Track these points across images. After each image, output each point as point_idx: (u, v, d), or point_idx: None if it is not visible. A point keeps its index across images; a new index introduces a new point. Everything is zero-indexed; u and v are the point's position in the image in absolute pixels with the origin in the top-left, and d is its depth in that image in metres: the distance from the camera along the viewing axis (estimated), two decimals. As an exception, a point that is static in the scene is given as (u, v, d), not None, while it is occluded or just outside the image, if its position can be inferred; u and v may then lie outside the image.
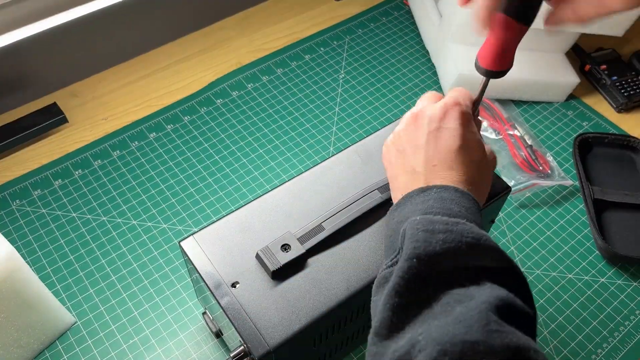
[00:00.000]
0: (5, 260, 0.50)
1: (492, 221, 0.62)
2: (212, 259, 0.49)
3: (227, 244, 0.50)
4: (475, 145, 0.45)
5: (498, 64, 0.46)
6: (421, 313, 0.35)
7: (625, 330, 0.66)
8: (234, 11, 0.98)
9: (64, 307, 0.62)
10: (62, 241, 0.69)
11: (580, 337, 0.65)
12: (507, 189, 0.56)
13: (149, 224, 0.71)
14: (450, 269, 0.37)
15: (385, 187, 0.53)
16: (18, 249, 0.68)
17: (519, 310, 0.35)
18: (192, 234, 0.50)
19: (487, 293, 0.35)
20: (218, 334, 0.60)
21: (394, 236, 0.41)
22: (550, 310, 0.67)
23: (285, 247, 0.49)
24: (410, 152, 0.46)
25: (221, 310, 0.47)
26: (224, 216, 0.52)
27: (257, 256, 0.49)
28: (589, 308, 0.67)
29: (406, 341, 0.34)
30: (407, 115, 0.48)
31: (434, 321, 0.34)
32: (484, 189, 0.47)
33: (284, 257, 0.48)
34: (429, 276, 0.37)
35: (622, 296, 0.68)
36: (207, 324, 0.60)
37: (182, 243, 0.50)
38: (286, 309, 0.46)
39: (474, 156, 0.45)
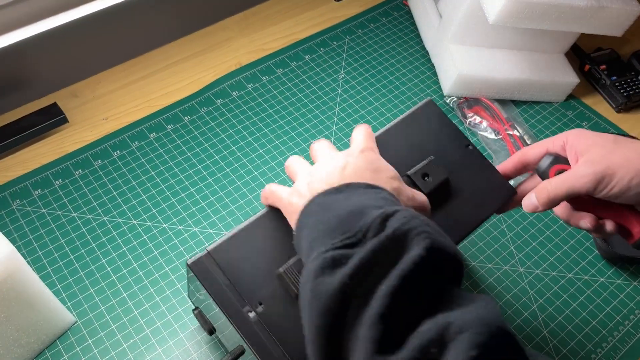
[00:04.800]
0: (5, 260, 0.50)
1: None
2: (228, 280, 0.46)
3: (241, 262, 0.46)
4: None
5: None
6: (435, 305, 0.34)
7: (625, 330, 0.66)
8: (234, 11, 0.98)
9: (65, 306, 0.62)
10: (62, 241, 0.69)
11: (579, 336, 0.65)
12: (513, 192, 0.56)
13: (149, 223, 0.72)
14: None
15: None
16: (18, 248, 0.68)
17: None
18: (202, 254, 0.47)
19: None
20: (211, 331, 0.60)
21: (349, 217, 0.39)
22: (550, 309, 0.67)
23: None
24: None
25: (238, 335, 0.44)
26: (234, 231, 0.48)
27: (279, 276, 0.45)
28: (589, 307, 0.67)
29: (432, 325, 0.32)
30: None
31: (458, 309, 0.33)
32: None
33: None
34: (439, 268, 0.35)
35: (621, 295, 0.69)
36: (198, 320, 0.60)
37: (190, 264, 0.46)
38: None
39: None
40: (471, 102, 0.85)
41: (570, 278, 0.70)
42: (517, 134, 0.81)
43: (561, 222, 0.75)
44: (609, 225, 0.52)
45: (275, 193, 0.47)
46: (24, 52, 0.79)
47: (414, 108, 0.58)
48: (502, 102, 0.86)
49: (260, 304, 0.44)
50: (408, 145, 0.55)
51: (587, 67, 0.91)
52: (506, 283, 0.69)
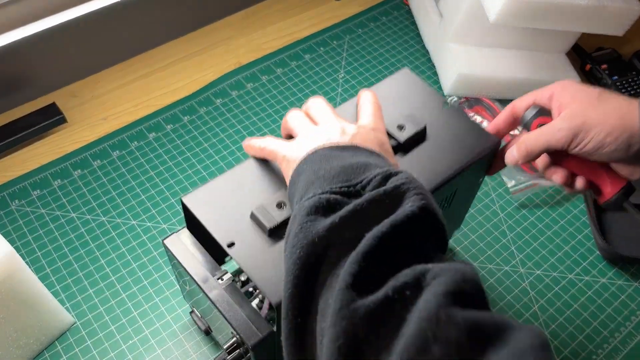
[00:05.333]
0: (4, 261, 0.50)
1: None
2: (195, 253, 0.49)
3: (216, 208, 0.47)
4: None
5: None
6: (417, 258, 0.34)
7: (626, 331, 0.66)
8: (234, 11, 0.98)
9: (63, 307, 0.62)
10: (61, 241, 0.69)
11: (580, 337, 0.65)
12: (497, 143, 0.54)
13: (149, 224, 0.71)
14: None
15: None
16: (17, 249, 0.68)
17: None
18: (174, 232, 0.51)
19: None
20: (207, 331, 0.60)
21: (352, 168, 0.39)
22: (551, 310, 0.67)
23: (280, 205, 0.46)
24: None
25: (209, 303, 0.47)
26: (210, 182, 0.50)
27: (252, 215, 0.46)
28: (590, 308, 0.67)
29: (409, 271, 0.32)
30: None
31: (437, 263, 0.33)
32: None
33: (281, 215, 0.45)
34: (428, 229, 0.36)
35: (622, 296, 0.68)
36: (195, 322, 0.60)
37: (165, 241, 0.50)
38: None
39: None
40: (472, 102, 0.85)
41: (571, 279, 0.69)
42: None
43: (562, 222, 0.74)
44: (580, 183, 0.51)
45: (272, 144, 0.47)
46: (22, 52, 0.79)
47: (389, 76, 0.57)
48: (503, 101, 0.86)
49: (233, 244, 0.45)
50: (384, 107, 0.52)
51: (588, 66, 0.91)
52: (507, 284, 0.69)
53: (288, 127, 0.48)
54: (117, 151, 0.78)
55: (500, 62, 0.85)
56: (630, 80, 0.88)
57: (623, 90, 0.87)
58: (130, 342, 0.62)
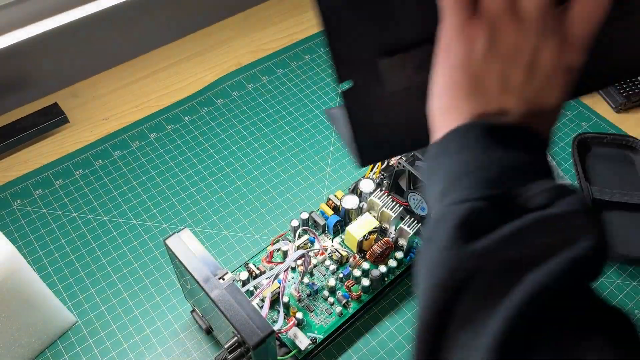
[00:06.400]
0: (6, 260, 0.51)
1: None
2: (196, 253, 0.50)
3: None
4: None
5: None
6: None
7: (624, 330, 0.66)
8: (234, 11, 0.98)
9: (65, 306, 0.62)
10: (63, 241, 0.69)
11: (579, 336, 0.65)
12: None
13: (150, 223, 0.72)
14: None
15: None
16: (19, 248, 0.68)
17: None
18: (176, 232, 0.51)
19: None
20: (208, 330, 0.60)
21: (512, 172, 0.30)
22: (549, 309, 0.67)
23: None
24: None
25: (210, 302, 0.48)
26: None
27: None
28: (588, 307, 0.67)
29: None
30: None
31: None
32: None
33: None
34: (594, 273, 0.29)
35: (621, 295, 0.69)
36: (196, 321, 0.61)
37: (166, 241, 0.51)
38: None
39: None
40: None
41: (569, 278, 0.70)
42: None
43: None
44: None
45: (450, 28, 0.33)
46: (24, 52, 0.79)
47: None
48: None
49: (353, 80, 0.39)
50: None
51: (587, 67, 0.91)
52: (506, 283, 0.69)
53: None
54: (119, 151, 0.79)
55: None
56: (628, 80, 0.88)
57: (621, 91, 0.87)
58: (132, 341, 0.62)
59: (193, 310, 0.61)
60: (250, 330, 0.45)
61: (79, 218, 0.72)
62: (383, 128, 0.41)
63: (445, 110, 0.33)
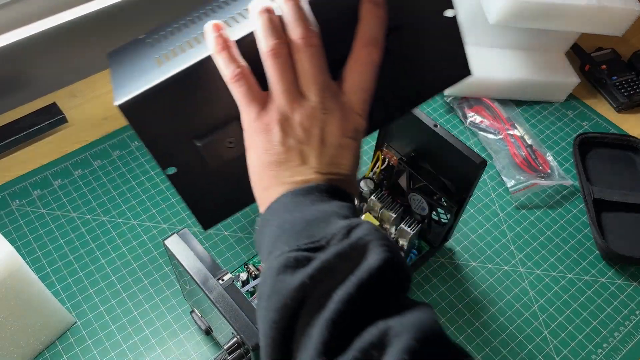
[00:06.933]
0: (5, 261, 0.50)
1: None
2: (196, 253, 0.50)
3: (161, 125, 0.43)
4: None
5: None
6: (381, 312, 0.35)
7: (625, 331, 0.66)
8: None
9: (64, 307, 0.62)
10: (61, 241, 0.69)
11: (580, 337, 0.65)
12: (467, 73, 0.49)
13: (149, 224, 0.71)
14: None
15: None
16: (18, 249, 0.68)
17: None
18: (175, 232, 0.51)
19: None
20: (208, 331, 0.60)
21: (316, 222, 0.38)
22: (551, 310, 0.67)
23: None
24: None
25: (210, 303, 0.48)
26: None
27: (200, 147, 0.42)
28: (589, 308, 0.67)
29: (374, 330, 0.33)
30: None
31: (398, 316, 0.34)
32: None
33: None
34: (392, 279, 0.36)
35: (622, 296, 0.68)
36: (195, 322, 0.61)
37: (166, 241, 0.51)
38: None
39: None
40: (472, 102, 0.85)
41: (570, 278, 0.70)
42: (518, 133, 0.81)
43: (561, 222, 0.75)
44: None
45: (244, 95, 0.39)
46: (23, 52, 0.79)
47: None
48: (503, 101, 0.86)
49: (175, 166, 0.43)
50: None
51: (587, 66, 0.91)
52: (507, 283, 0.69)
53: (269, 75, 0.39)
54: (118, 151, 0.78)
55: (500, 62, 0.85)
56: (629, 80, 0.88)
57: (622, 90, 0.87)
58: (131, 341, 0.62)
59: (192, 311, 0.61)
60: (249, 331, 0.45)
61: (77, 218, 0.72)
62: (215, 196, 0.46)
63: (262, 188, 0.41)
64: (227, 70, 0.39)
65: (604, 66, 0.90)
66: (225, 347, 0.49)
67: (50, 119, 0.79)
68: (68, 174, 0.76)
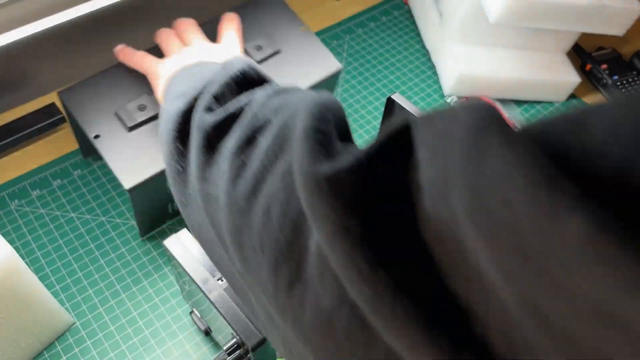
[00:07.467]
0: (3, 261, 0.50)
1: None
2: (195, 254, 0.50)
3: (88, 104, 0.65)
4: None
5: None
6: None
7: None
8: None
9: (63, 307, 0.62)
10: (61, 241, 0.69)
11: (581, 337, 0.65)
12: (340, 68, 0.70)
13: (149, 224, 0.71)
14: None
15: None
16: (17, 249, 0.68)
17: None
18: (174, 233, 0.51)
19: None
20: (207, 332, 0.60)
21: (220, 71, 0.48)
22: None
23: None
24: None
25: (209, 303, 0.47)
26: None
27: (116, 114, 0.63)
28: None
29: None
30: None
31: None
32: None
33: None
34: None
35: (623, 296, 0.68)
36: (195, 322, 0.60)
37: (165, 242, 0.51)
38: None
39: None
40: (472, 102, 0.85)
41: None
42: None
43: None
44: None
45: (146, 62, 0.64)
46: (21, 52, 0.79)
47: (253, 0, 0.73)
48: (504, 101, 0.86)
49: (98, 136, 0.61)
50: (248, 28, 0.69)
51: (588, 66, 0.91)
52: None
53: (160, 46, 0.63)
54: (117, 151, 0.78)
55: (500, 62, 0.85)
56: (630, 80, 0.88)
57: (623, 90, 0.87)
58: (130, 342, 0.62)
59: (192, 312, 0.61)
60: (249, 332, 0.45)
61: (77, 218, 0.71)
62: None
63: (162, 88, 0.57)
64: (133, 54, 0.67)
65: (604, 66, 0.89)
66: (224, 348, 0.49)
67: (49, 119, 0.79)
68: (67, 174, 0.75)
